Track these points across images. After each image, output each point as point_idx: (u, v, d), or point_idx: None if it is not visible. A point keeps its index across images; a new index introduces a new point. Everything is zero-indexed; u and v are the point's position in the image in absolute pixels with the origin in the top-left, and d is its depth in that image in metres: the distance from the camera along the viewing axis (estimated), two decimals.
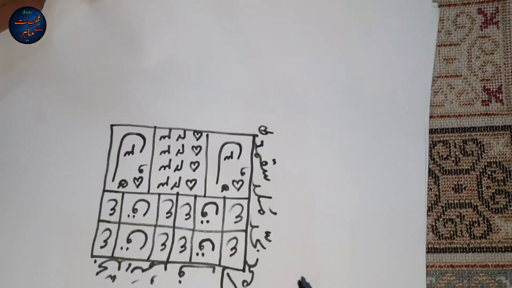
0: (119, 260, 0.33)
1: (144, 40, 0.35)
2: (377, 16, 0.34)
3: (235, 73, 0.34)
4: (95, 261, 0.33)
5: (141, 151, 0.34)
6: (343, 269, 0.31)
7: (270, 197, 0.33)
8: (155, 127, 0.34)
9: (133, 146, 0.34)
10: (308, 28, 0.34)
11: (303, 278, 0.32)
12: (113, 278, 0.32)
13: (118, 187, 0.34)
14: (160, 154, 0.34)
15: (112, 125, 0.34)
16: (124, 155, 0.34)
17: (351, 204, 0.32)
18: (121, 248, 0.33)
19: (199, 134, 0.34)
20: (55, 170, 0.34)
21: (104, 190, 0.34)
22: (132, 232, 0.33)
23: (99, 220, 0.33)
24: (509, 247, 0.32)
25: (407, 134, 0.32)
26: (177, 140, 0.34)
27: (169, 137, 0.34)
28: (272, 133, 0.33)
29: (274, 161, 0.33)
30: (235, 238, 0.33)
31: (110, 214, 0.33)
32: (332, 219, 0.32)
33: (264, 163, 0.33)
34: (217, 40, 0.35)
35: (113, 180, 0.34)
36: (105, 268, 0.33)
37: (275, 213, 0.33)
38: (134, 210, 0.33)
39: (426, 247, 0.31)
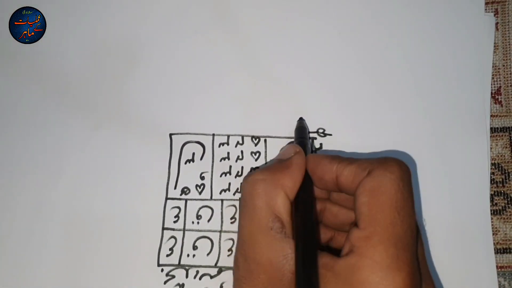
0: (187, 267, 0.32)
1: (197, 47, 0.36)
2: (437, 23, 0.35)
3: (289, 76, 0.35)
4: (162, 270, 0.32)
5: (201, 159, 0.34)
6: None
7: None
8: (213, 135, 0.35)
9: (193, 154, 0.34)
10: (369, 32, 0.35)
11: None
12: (181, 286, 0.32)
13: (181, 195, 0.34)
14: (220, 161, 0.34)
15: (171, 134, 0.35)
16: (185, 163, 0.34)
17: None
18: (188, 255, 0.33)
19: (257, 139, 0.34)
20: (115, 180, 0.34)
21: (167, 198, 0.34)
22: (198, 238, 0.33)
23: (164, 228, 0.33)
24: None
25: (468, 133, 0.33)
26: (235, 146, 0.34)
27: (227, 143, 0.34)
28: (330, 135, 0.34)
29: None
30: None
31: (174, 222, 0.33)
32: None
33: None
34: (268, 46, 0.36)
35: (175, 188, 0.34)
36: (173, 276, 0.32)
37: None
38: (198, 217, 0.33)
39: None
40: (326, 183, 0.26)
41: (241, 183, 0.30)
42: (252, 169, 0.34)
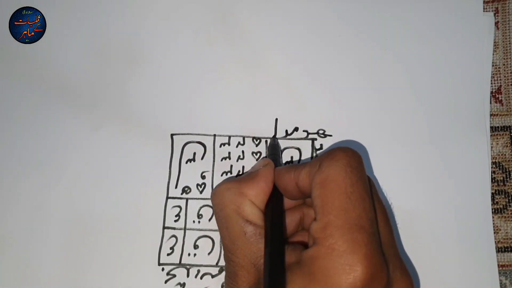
0: (188, 267, 0.32)
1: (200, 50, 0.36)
2: (436, 24, 0.36)
3: (290, 78, 0.35)
4: (162, 269, 0.32)
5: (202, 158, 0.34)
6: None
7: None
8: (214, 135, 0.35)
9: (194, 153, 0.34)
10: (369, 33, 0.36)
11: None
12: (182, 285, 0.32)
13: (182, 194, 0.34)
14: (221, 160, 0.34)
15: (172, 134, 0.35)
16: (186, 162, 0.34)
17: (412, 204, 0.33)
18: (189, 254, 0.33)
19: (258, 140, 0.35)
20: (117, 179, 0.34)
21: (167, 197, 0.34)
22: (199, 238, 0.33)
23: (164, 227, 0.33)
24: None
25: (469, 132, 0.34)
26: (236, 146, 0.35)
27: (228, 144, 0.35)
28: (331, 136, 0.34)
29: None
30: None
31: (175, 221, 0.33)
32: (390, 221, 0.33)
33: None
34: (269, 48, 0.36)
35: (176, 187, 0.34)
36: (174, 275, 0.32)
37: None
38: (199, 216, 0.33)
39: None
40: (292, 192, 0.27)
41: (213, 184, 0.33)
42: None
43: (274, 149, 0.33)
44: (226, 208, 0.26)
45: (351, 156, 0.24)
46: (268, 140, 0.35)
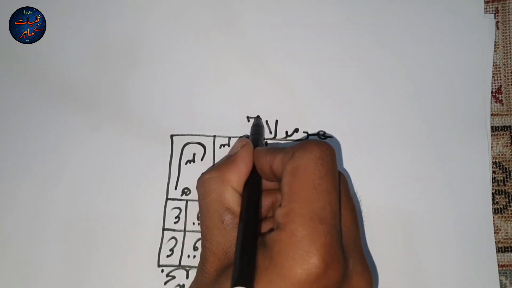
0: (187, 268, 0.32)
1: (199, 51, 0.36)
2: (436, 25, 0.35)
3: (290, 79, 0.35)
4: (162, 271, 0.32)
5: (202, 159, 0.34)
6: (412, 273, 0.32)
7: None
8: (214, 136, 0.35)
9: (194, 154, 0.34)
10: (369, 33, 0.36)
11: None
12: (182, 287, 0.32)
13: (181, 195, 0.34)
14: None
15: (172, 135, 0.35)
16: (186, 163, 0.34)
17: (412, 204, 0.33)
18: (188, 256, 0.33)
19: None
20: (116, 180, 0.34)
21: (167, 199, 0.34)
22: (198, 239, 0.33)
23: (164, 229, 0.33)
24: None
25: (469, 132, 0.34)
26: None
27: (228, 145, 0.35)
28: (331, 137, 0.34)
29: None
30: None
31: (175, 222, 0.33)
32: (390, 221, 0.33)
33: None
34: (270, 49, 0.36)
35: (175, 189, 0.34)
36: (173, 277, 0.32)
37: None
38: (199, 218, 0.33)
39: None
40: (267, 174, 0.27)
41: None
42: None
43: (257, 129, 0.33)
44: (208, 197, 0.27)
45: (325, 150, 0.25)
46: (268, 142, 0.35)
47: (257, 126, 0.34)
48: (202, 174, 0.28)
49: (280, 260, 0.22)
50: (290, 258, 0.22)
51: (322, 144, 0.25)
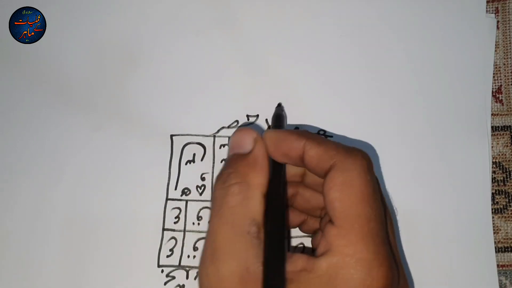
0: (187, 268, 0.32)
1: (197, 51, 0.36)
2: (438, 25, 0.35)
3: (290, 78, 0.35)
4: (162, 271, 0.32)
5: (202, 160, 0.34)
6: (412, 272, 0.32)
7: None
8: (214, 136, 0.35)
9: (194, 155, 0.34)
10: (370, 34, 0.36)
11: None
12: (182, 287, 0.32)
13: (181, 195, 0.34)
14: (221, 161, 0.34)
15: (172, 135, 0.35)
16: (186, 164, 0.34)
17: (412, 204, 0.33)
18: (188, 256, 0.33)
19: None
20: (116, 181, 0.34)
21: (167, 199, 0.33)
22: (198, 240, 0.33)
23: (164, 229, 0.33)
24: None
25: (470, 132, 0.34)
26: None
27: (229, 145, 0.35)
28: (331, 136, 0.34)
29: None
30: (301, 243, 0.33)
31: (175, 223, 0.33)
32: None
33: None
34: (269, 48, 0.36)
35: (175, 189, 0.34)
36: (173, 277, 0.32)
37: None
38: (199, 218, 0.33)
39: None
40: (292, 159, 0.25)
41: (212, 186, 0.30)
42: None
43: (279, 121, 0.30)
44: (234, 203, 0.23)
45: (369, 161, 0.23)
46: None
47: (279, 117, 0.30)
48: (219, 178, 0.24)
49: (344, 286, 0.21)
50: (358, 283, 0.20)
51: (365, 154, 0.23)
